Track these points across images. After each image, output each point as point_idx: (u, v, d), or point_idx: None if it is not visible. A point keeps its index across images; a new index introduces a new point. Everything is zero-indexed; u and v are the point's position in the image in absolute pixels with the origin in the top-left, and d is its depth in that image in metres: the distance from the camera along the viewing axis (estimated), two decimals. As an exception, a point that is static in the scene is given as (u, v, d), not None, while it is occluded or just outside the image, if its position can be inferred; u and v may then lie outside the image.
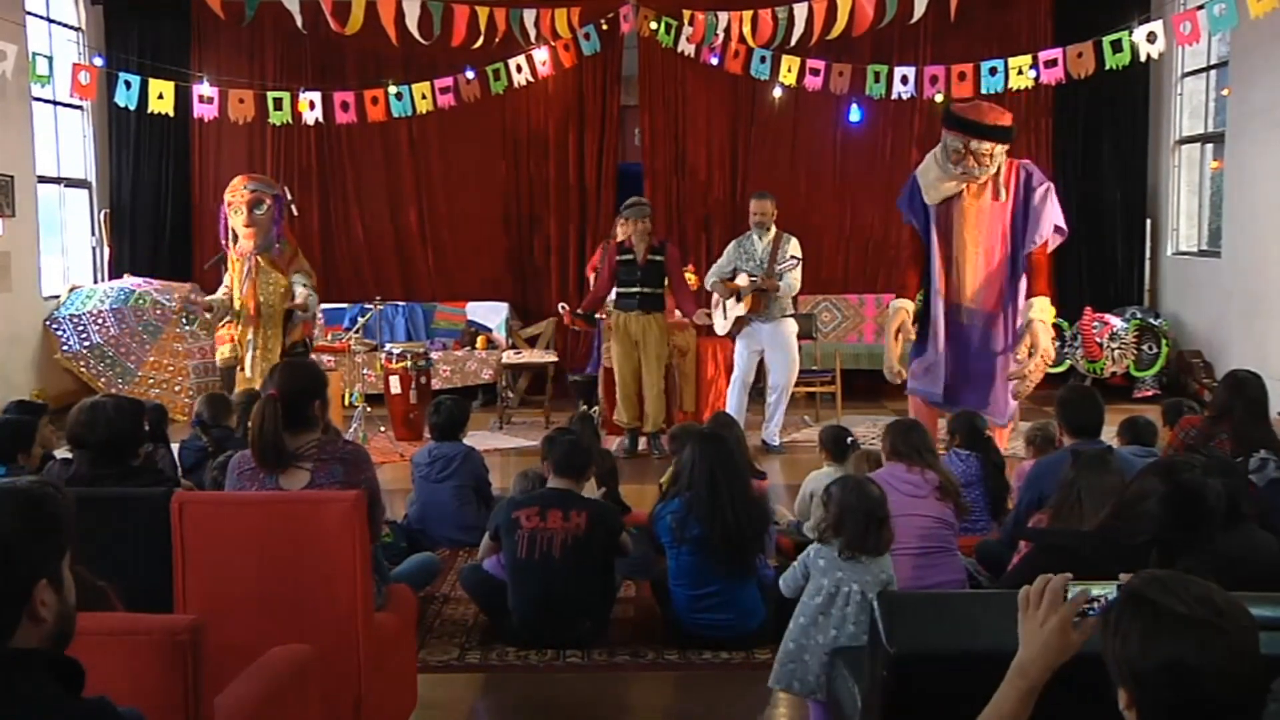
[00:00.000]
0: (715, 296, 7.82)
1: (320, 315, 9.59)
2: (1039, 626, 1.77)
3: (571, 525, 4.24)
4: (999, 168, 5.69)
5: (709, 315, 7.73)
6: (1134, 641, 1.56)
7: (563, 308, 8.03)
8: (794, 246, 7.66)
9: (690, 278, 8.25)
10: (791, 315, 7.91)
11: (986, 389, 5.85)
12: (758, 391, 8.08)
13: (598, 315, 8.05)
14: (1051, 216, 5.69)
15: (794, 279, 7.65)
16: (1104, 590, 1.76)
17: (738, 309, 7.64)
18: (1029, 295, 5.69)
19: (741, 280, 7.62)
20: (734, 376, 7.83)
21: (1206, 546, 2.59)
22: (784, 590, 3.68)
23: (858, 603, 3.40)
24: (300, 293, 6.30)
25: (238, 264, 6.32)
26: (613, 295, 7.75)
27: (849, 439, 5.37)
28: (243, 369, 6.35)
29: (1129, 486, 2.77)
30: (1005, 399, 5.91)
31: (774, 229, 7.69)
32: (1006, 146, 5.67)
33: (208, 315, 6.42)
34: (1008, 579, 3.12)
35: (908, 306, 5.98)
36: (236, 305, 6.32)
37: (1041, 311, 5.60)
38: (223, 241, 6.41)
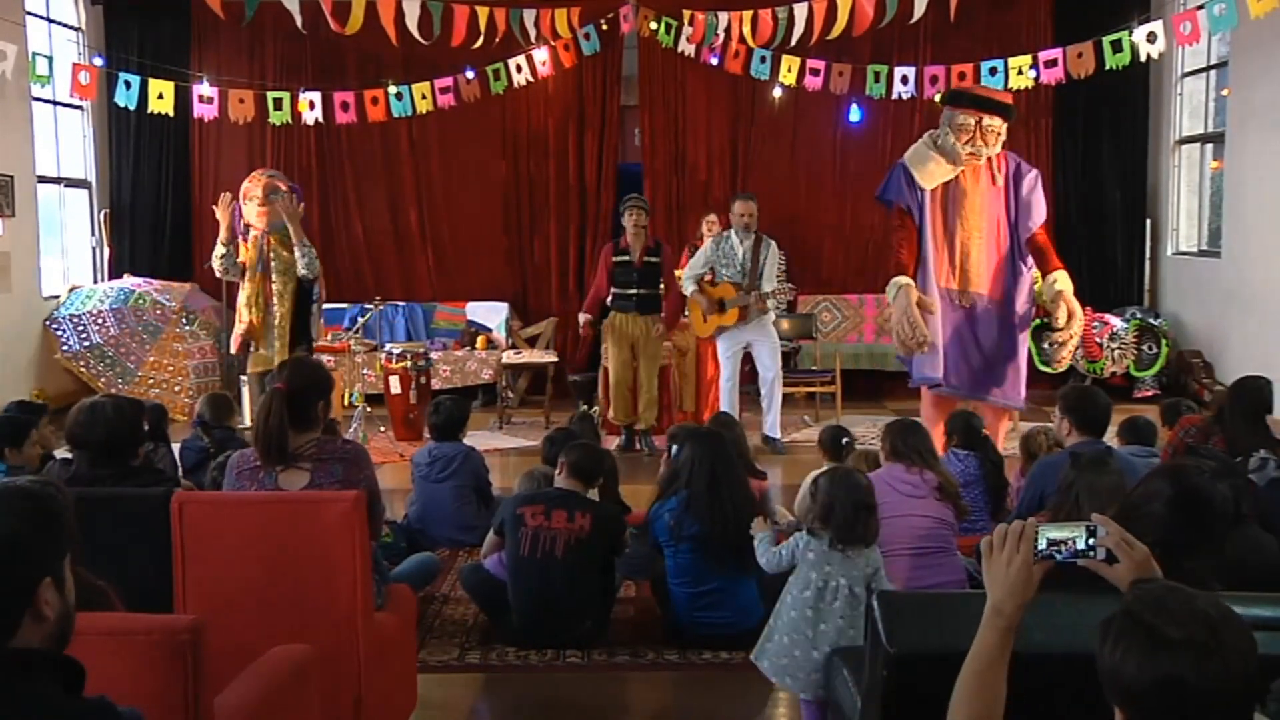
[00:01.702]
0: (691, 301, 7.73)
1: (320, 318, 9.59)
2: (1005, 568, 1.90)
3: (575, 527, 4.25)
4: (991, 156, 5.77)
5: (671, 336, 7.81)
6: (1128, 663, 1.56)
7: (584, 318, 7.90)
8: (774, 251, 7.66)
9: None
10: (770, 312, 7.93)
11: (1000, 373, 5.87)
12: (754, 392, 8.06)
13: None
14: (1043, 202, 5.89)
15: (774, 284, 7.66)
16: (1072, 533, 1.91)
17: (723, 320, 7.59)
18: (1047, 271, 5.86)
19: (724, 291, 7.56)
20: (723, 378, 7.80)
21: (1212, 550, 2.58)
22: (764, 564, 3.70)
23: (845, 598, 3.42)
24: (304, 257, 6.31)
25: (251, 251, 6.32)
26: (609, 296, 7.76)
27: (844, 439, 5.37)
28: (258, 349, 6.35)
29: (1136, 488, 2.77)
30: (1020, 382, 5.94)
31: (755, 233, 7.68)
32: (1007, 126, 5.77)
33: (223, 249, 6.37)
34: None
35: (912, 283, 5.94)
36: (247, 294, 6.33)
37: (1066, 283, 5.82)
38: (238, 232, 6.42)
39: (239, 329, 6.37)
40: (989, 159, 5.73)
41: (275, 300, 6.27)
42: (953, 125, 5.69)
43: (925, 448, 4.34)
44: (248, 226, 6.31)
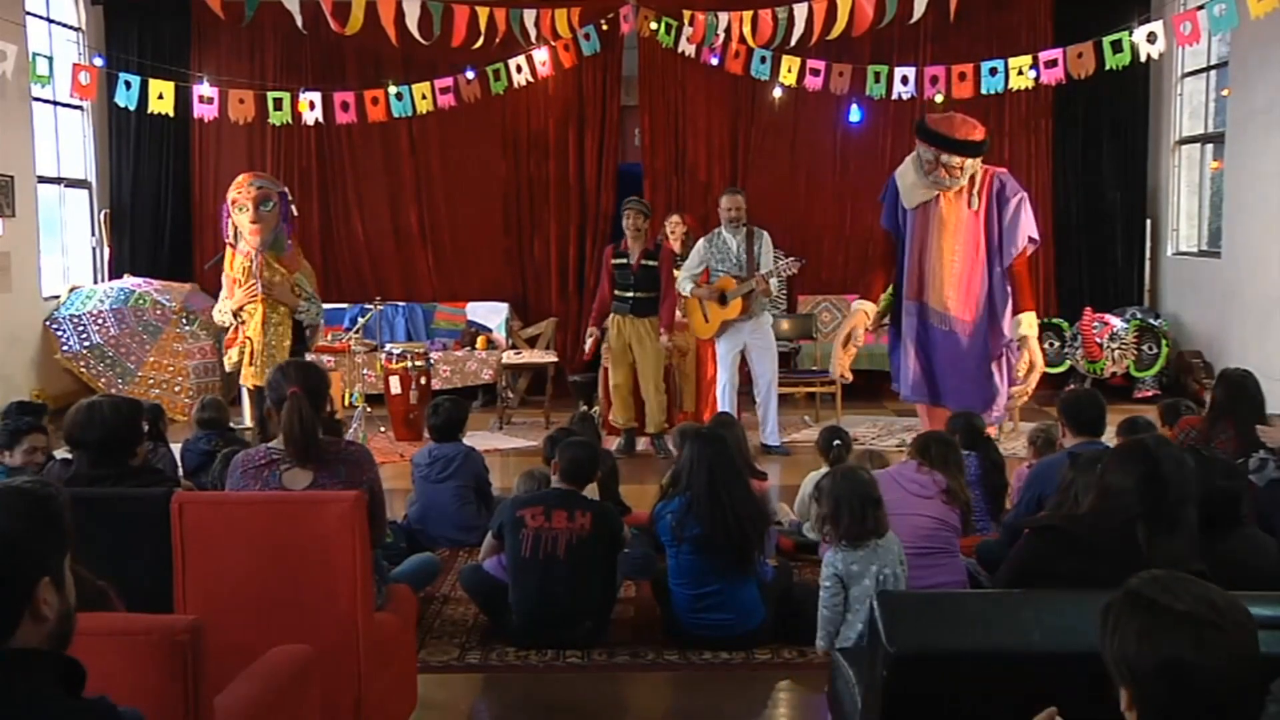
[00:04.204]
0: (692, 300, 7.72)
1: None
2: None
3: (576, 526, 4.25)
4: (974, 177, 5.69)
5: (671, 337, 7.71)
6: (1132, 640, 1.57)
7: (591, 337, 7.76)
8: (767, 241, 7.65)
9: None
10: (768, 310, 7.90)
11: (964, 392, 5.80)
12: (749, 396, 8.05)
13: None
14: (1026, 228, 5.68)
15: (778, 281, 7.64)
16: None
17: (727, 313, 7.58)
18: (1015, 311, 5.69)
19: (724, 283, 7.54)
20: (720, 381, 7.78)
21: (1187, 526, 2.68)
22: (828, 616, 3.63)
23: (897, 583, 3.47)
24: (306, 310, 6.27)
25: (243, 263, 6.27)
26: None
27: (835, 441, 5.37)
28: (252, 364, 6.29)
29: (1106, 474, 2.82)
30: (985, 404, 5.84)
31: (745, 225, 7.66)
32: (978, 160, 5.66)
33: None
34: (1006, 567, 3.19)
35: (867, 309, 5.98)
36: (236, 304, 6.28)
37: (1030, 327, 5.67)
38: (225, 238, 6.37)
39: (235, 353, 6.31)
40: (972, 179, 5.67)
41: (270, 327, 6.20)
42: (919, 155, 5.68)
43: (946, 459, 4.34)
44: (236, 232, 6.25)
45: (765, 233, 7.71)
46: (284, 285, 6.16)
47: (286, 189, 6.67)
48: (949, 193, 5.66)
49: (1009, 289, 5.73)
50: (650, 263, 7.58)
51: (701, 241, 7.80)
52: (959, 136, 5.55)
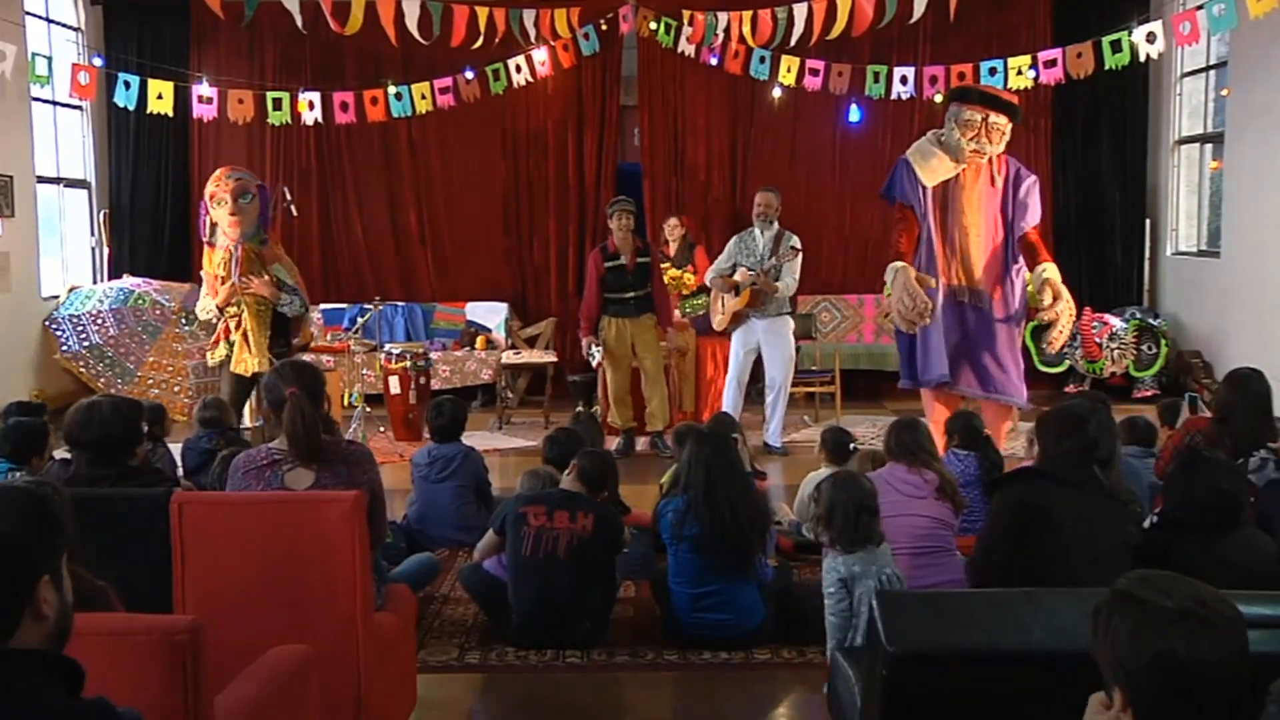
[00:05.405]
0: (714, 292, 7.82)
1: (319, 315, 9.58)
2: None
3: (578, 527, 4.25)
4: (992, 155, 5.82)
5: (677, 335, 7.76)
6: (1123, 639, 1.58)
7: (594, 350, 7.65)
8: (795, 244, 7.68)
9: (689, 279, 8.24)
10: (788, 312, 7.90)
11: (1001, 368, 5.87)
12: (756, 392, 8.07)
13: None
14: (1038, 205, 5.91)
15: (792, 280, 7.63)
16: None
17: (735, 304, 7.63)
18: (1035, 265, 5.85)
19: (740, 276, 7.61)
20: (729, 374, 7.81)
21: (1113, 462, 3.46)
22: (836, 623, 3.63)
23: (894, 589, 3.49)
24: (289, 303, 6.24)
25: (223, 258, 6.22)
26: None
27: (851, 444, 5.36)
28: (247, 353, 6.27)
29: (1041, 440, 3.50)
30: (1017, 378, 5.93)
31: (776, 225, 7.70)
32: (1011, 126, 5.79)
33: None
34: (1004, 513, 3.43)
35: (908, 265, 5.84)
36: (221, 300, 6.24)
37: (1054, 272, 5.79)
38: (203, 236, 6.34)
39: (222, 351, 6.28)
40: (990, 159, 5.76)
41: (247, 315, 6.16)
42: (959, 121, 5.71)
43: (919, 445, 4.33)
44: (214, 227, 6.21)
45: (796, 238, 7.71)
46: (268, 286, 6.15)
47: (283, 190, 6.66)
48: (969, 169, 5.75)
49: (1017, 262, 5.87)
50: (644, 259, 7.60)
51: (734, 239, 7.87)
52: (1006, 96, 5.82)
